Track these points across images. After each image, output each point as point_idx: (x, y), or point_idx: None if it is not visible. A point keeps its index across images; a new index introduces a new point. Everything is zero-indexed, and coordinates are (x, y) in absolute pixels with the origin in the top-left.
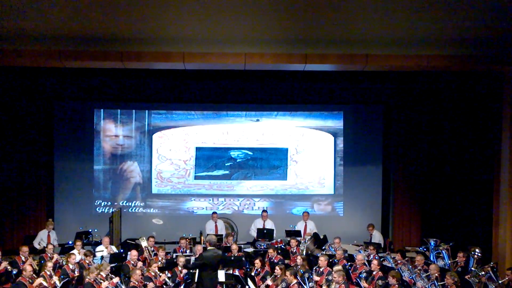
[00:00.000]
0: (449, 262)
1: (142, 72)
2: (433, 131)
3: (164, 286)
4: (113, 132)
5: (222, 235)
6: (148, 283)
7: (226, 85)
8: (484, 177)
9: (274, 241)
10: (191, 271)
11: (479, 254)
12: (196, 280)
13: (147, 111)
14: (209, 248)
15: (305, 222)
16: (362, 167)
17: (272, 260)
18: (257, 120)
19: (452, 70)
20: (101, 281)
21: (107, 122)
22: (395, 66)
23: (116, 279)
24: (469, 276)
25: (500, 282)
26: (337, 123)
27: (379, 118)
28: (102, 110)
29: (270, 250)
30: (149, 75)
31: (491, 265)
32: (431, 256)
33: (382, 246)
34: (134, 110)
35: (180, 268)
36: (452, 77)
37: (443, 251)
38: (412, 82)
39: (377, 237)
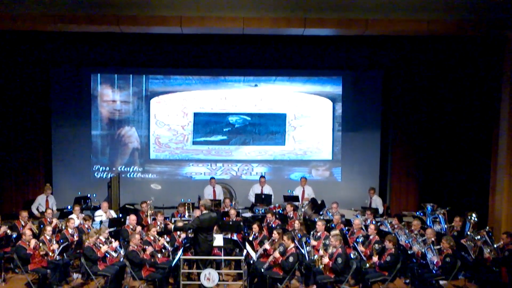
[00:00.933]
0: (446, 226)
1: (139, 37)
2: (432, 97)
3: (163, 250)
4: (110, 97)
5: (220, 200)
6: (147, 247)
7: (224, 50)
8: (482, 142)
9: (272, 206)
10: (189, 235)
11: (475, 219)
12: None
13: (144, 76)
14: (204, 212)
15: (303, 188)
16: (360, 133)
17: (270, 224)
18: (255, 85)
19: (452, 35)
20: (100, 245)
21: (104, 87)
22: (395, 31)
23: (115, 243)
24: (465, 240)
25: (495, 246)
26: (336, 89)
27: (378, 83)
28: (99, 75)
29: (269, 215)
30: (146, 39)
31: (486, 230)
32: (428, 220)
33: (380, 212)
34: (131, 75)
35: (178, 233)
36: (452, 41)
37: (440, 216)
38: (412, 48)
39: (377, 201)
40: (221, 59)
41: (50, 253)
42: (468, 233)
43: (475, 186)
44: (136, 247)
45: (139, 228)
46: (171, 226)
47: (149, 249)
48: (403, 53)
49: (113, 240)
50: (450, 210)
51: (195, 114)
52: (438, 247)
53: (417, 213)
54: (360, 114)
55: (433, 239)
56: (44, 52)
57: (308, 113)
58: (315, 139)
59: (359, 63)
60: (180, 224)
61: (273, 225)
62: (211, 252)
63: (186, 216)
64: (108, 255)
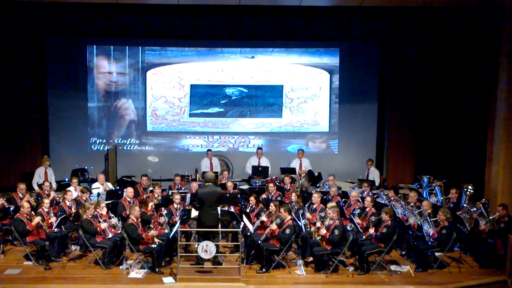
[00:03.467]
0: (442, 198)
1: (135, 8)
2: (430, 69)
3: (160, 227)
4: (106, 69)
5: (217, 172)
6: (150, 231)
7: (221, 21)
8: (479, 115)
9: (269, 178)
10: (186, 207)
11: (472, 191)
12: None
13: (140, 47)
14: (206, 184)
15: (300, 160)
16: (357, 105)
17: (271, 196)
18: (252, 57)
19: (450, 5)
20: (99, 218)
21: (100, 59)
22: (392, 2)
23: (114, 220)
24: (460, 212)
25: (491, 218)
26: (333, 60)
27: (375, 55)
28: (94, 46)
29: (271, 185)
30: (142, 10)
31: (482, 202)
32: (424, 193)
33: (377, 184)
34: (127, 47)
35: (175, 206)
36: (449, 12)
37: (436, 188)
38: (409, 18)
39: (374, 173)
40: (218, 31)
41: (46, 226)
42: (464, 205)
43: (471, 158)
44: (136, 220)
45: (136, 201)
46: (178, 196)
47: (152, 233)
48: (401, 24)
49: (112, 216)
50: (447, 182)
51: (192, 86)
52: (434, 219)
53: (414, 185)
54: (358, 86)
55: (429, 211)
56: (39, 22)
57: (305, 85)
58: (312, 111)
59: (356, 34)
60: (178, 197)
61: (271, 197)
62: (216, 224)
63: (183, 188)
64: (107, 230)
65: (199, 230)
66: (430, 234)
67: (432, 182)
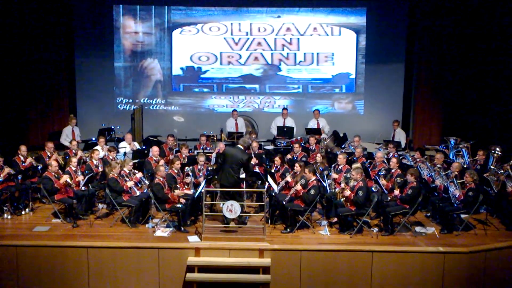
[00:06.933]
0: (469, 160)
1: None
2: (460, 28)
3: (186, 186)
4: (132, 28)
5: (242, 132)
6: (176, 190)
7: None
8: (508, 75)
9: (294, 138)
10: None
11: (499, 153)
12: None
13: (166, 7)
14: (236, 146)
15: (317, 120)
16: (384, 65)
17: (296, 156)
18: (278, 17)
19: None
20: (125, 177)
21: (126, 19)
22: None
23: (139, 174)
24: (488, 174)
25: None
26: (360, 20)
27: (403, 14)
28: (121, 6)
29: (296, 145)
30: None
31: (510, 164)
32: (451, 154)
33: (403, 145)
34: (153, 6)
35: (199, 167)
36: None
37: (463, 149)
38: None
39: (400, 134)
40: None
41: (73, 184)
42: (491, 167)
43: (499, 120)
44: (162, 179)
45: (162, 160)
46: (203, 158)
47: (178, 192)
48: None
49: (136, 171)
50: (474, 144)
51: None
52: (460, 181)
53: (440, 146)
54: (385, 46)
55: (456, 172)
56: None
57: (331, 44)
58: (337, 71)
59: None
60: (203, 158)
61: (296, 158)
62: (233, 186)
63: (208, 148)
64: (133, 188)
65: (223, 190)
66: (456, 196)
67: (459, 143)
